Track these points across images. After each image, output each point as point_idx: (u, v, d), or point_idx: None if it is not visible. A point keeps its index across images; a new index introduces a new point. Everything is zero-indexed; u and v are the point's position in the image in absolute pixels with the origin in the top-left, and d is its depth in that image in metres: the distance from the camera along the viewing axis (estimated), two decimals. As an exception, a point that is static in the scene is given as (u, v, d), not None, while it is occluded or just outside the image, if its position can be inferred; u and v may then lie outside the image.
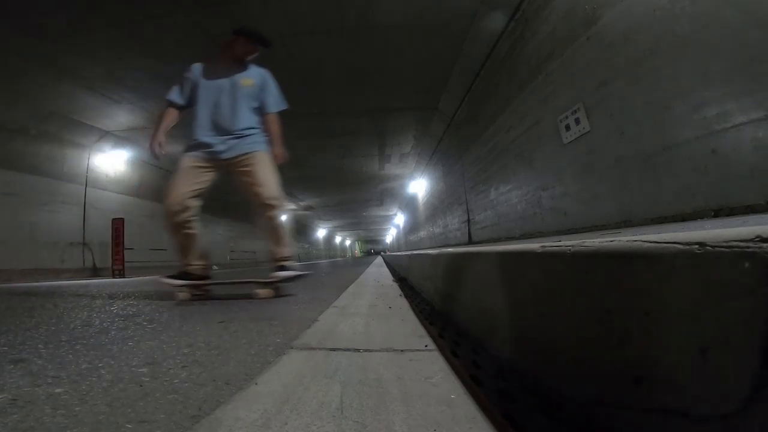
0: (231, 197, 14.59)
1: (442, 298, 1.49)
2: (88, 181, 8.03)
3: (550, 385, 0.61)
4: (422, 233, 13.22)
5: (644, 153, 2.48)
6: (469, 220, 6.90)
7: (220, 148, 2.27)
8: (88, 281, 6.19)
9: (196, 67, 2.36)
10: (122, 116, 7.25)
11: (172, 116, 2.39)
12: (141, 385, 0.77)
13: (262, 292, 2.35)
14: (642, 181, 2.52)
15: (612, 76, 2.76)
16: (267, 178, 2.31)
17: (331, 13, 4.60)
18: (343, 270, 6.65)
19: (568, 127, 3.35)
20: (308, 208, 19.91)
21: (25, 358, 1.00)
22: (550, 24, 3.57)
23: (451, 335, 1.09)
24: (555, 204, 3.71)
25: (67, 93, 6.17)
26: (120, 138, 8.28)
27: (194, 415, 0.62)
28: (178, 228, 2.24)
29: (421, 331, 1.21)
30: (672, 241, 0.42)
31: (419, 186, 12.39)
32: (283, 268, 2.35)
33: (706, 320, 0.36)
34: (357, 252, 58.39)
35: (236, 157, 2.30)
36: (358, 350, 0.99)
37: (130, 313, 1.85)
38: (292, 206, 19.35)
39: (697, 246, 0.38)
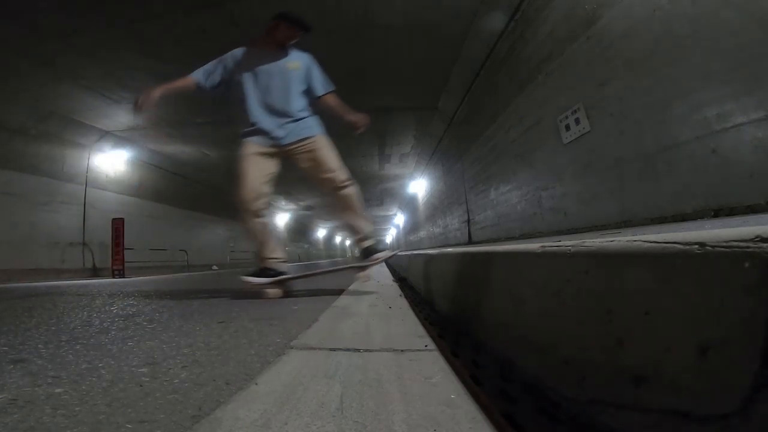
0: (231, 197, 14.62)
1: (442, 297, 1.49)
2: (87, 181, 8.03)
3: (550, 385, 0.61)
4: (422, 233, 13.22)
5: (644, 153, 2.48)
6: (469, 220, 6.90)
7: (279, 133, 2.25)
8: (88, 281, 6.19)
9: (238, 52, 2.35)
10: (122, 116, 7.25)
11: (184, 84, 2.31)
12: (141, 385, 0.77)
13: (362, 275, 2.32)
14: (642, 181, 2.52)
15: (612, 76, 2.76)
16: (333, 161, 2.31)
17: (331, 13, 4.60)
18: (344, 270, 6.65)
19: (568, 127, 3.35)
20: (308, 208, 19.91)
21: (25, 358, 1.00)
22: (550, 24, 3.57)
23: (451, 335, 1.09)
24: (555, 204, 3.71)
25: (67, 93, 6.17)
26: (120, 138, 8.28)
27: (194, 415, 0.62)
28: (253, 216, 2.21)
29: (421, 331, 1.21)
30: (672, 241, 0.42)
31: (419, 186, 12.39)
32: (371, 249, 2.31)
33: (706, 320, 0.36)
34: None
35: (296, 142, 2.28)
36: (358, 350, 0.99)
37: (130, 313, 1.85)
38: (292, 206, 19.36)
39: (697, 246, 0.38)
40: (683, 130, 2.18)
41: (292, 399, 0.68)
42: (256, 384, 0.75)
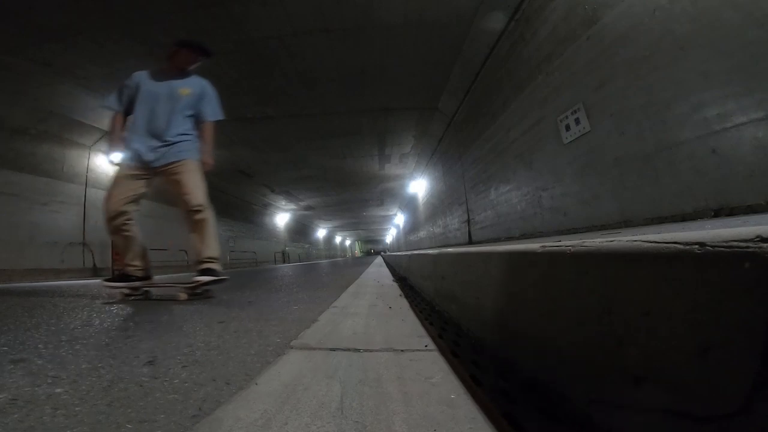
0: (231, 197, 14.61)
1: (442, 298, 1.49)
2: (88, 181, 8.03)
3: (550, 385, 0.61)
4: (422, 233, 13.22)
5: (644, 153, 2.48)
6: (469, 220, 6.90)
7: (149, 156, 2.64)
8: (88, 281, 6.18)
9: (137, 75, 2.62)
10: (122, 116, 7.24)
11: (119, 123, 2.63)
12: (141, 385, 0.77)
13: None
14: (642, 181, 2.52)
15: (612, 76, 2.76)
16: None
17: (331, 13, 4.60)
18: (344, 270, 6.66)
19: (568, 127, 3.35)
20: (308, 208, 19.91)
21: (25, 358, 1.00)
22: (550, 24, 3.57)
23: (451, 335, 1.09)
24: (555, 204, 3.71)
25: (67, 93, 6.17)
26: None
27: (194, 415, 0.62)
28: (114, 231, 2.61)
29: (421, 331, 1.21)
30: (672, 241, 0.42)
31: (419, 186, 12.39)
32: (209, 271, 2.46)
33: (706, 320, 0.36)
34: (357, 252, 58.35)
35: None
36: (358, 350, 0.99)
37: (130, 312, 1.85)
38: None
39: (697, 246, 0.38)
40: (683, 130, 2.18)
41: (292, 399, 0.68)
42: (257, 384, 0.75)
